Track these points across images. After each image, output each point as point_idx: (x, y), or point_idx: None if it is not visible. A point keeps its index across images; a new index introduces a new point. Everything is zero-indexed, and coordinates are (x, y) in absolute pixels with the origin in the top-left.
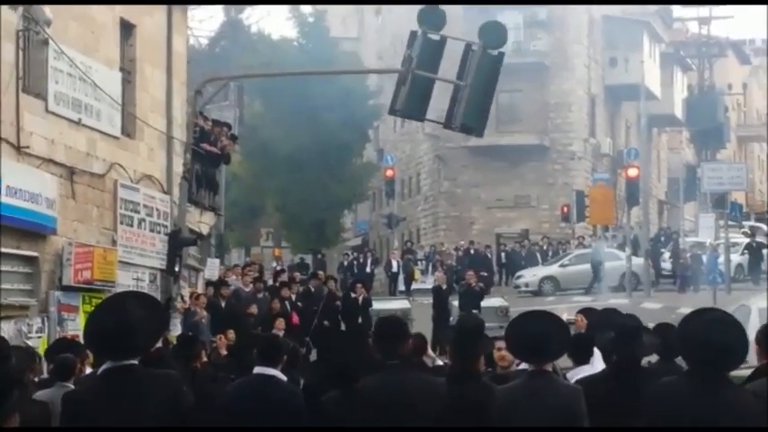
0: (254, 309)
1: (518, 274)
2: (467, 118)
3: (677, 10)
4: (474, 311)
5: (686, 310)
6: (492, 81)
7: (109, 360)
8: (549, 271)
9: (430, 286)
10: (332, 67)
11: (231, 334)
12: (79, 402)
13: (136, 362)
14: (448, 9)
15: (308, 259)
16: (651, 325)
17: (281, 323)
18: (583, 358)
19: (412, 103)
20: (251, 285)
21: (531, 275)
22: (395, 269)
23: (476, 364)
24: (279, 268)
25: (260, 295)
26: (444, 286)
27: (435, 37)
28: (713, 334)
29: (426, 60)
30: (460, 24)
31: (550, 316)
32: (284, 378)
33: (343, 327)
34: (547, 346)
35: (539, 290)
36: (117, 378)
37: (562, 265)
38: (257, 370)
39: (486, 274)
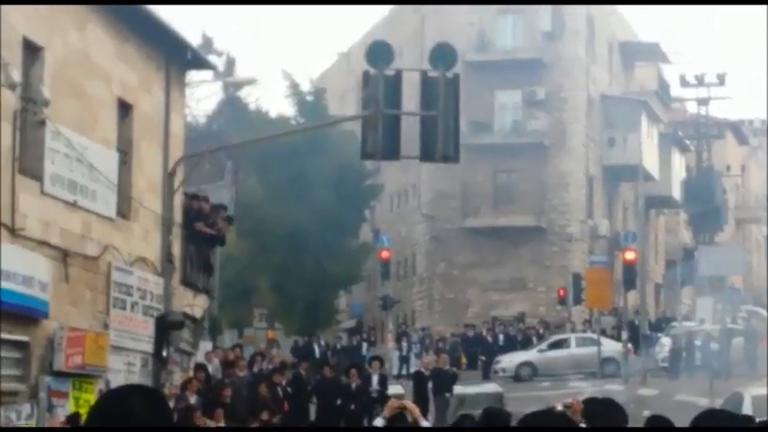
0: (227, 392)
1: (496, 359)
2: (445, 147)
3: (675, 90)
4: (447, 395)
5: (682, 398)
6: (456, 104)
7: None
8: (527, 356)
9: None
10: (328, 146)
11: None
12: None
13: None
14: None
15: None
16: (648, 413)
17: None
18: None
19: (385, 144)
20: (246, 370)
21: (507, 361)
22: (404, 352)
23: None
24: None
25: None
26: (427, 372)
27: (391, 72)
28: None
29: (389, 98)
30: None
31: (563, 418)
32: None
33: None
34: None
35: (516, 375)
36: None
37: (540, 351)
38: None
39: (484, 358)
